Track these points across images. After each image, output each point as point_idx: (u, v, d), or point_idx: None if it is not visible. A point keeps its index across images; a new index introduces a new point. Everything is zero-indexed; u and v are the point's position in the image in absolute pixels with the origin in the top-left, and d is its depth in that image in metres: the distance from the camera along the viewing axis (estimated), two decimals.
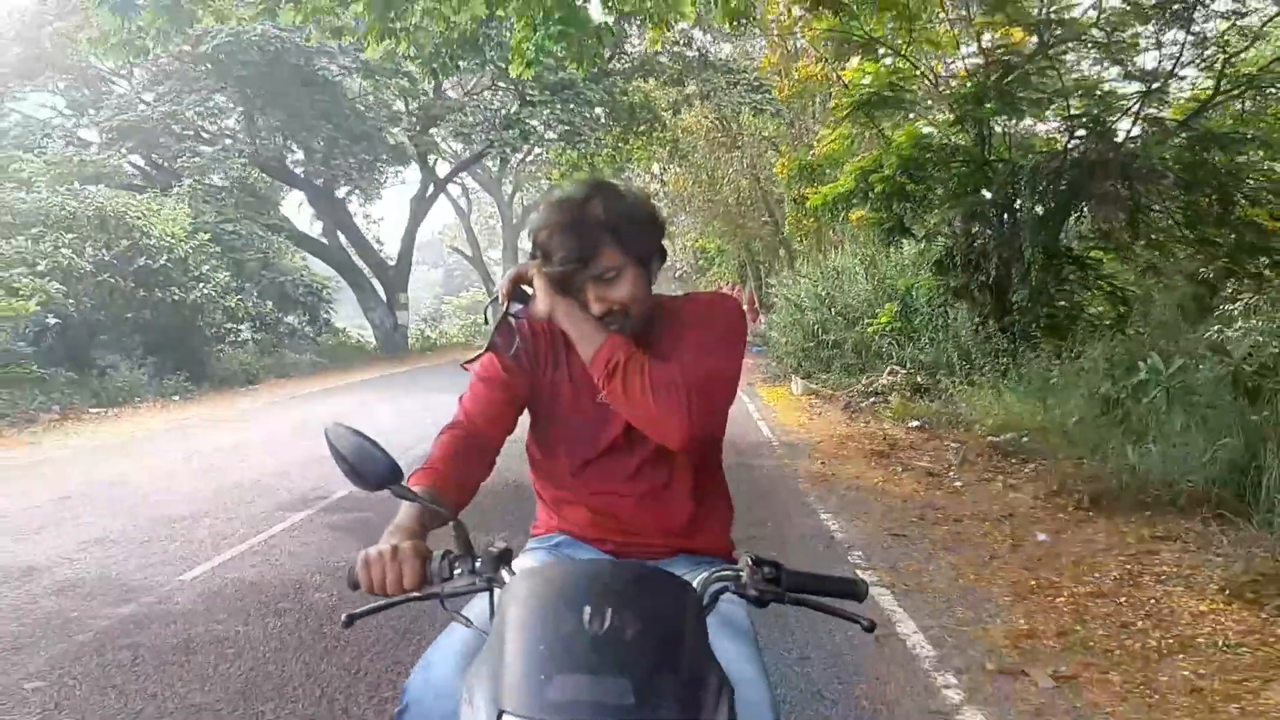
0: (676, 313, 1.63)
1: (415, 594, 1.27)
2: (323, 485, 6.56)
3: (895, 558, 4.85)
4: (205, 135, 21.53)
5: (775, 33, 15.63)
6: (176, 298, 14.35)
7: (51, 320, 11.96)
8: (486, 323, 1.61)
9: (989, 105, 10.98)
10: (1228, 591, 4.07)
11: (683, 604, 1.18)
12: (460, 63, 12.05)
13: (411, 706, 1.36)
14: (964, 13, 11.95)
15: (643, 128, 23.80)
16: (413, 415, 10.36)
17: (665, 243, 1.66)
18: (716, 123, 23.59)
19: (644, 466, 1.61)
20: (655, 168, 26.91)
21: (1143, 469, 6.01)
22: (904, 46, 11.86)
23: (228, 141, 20.75)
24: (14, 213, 13.59)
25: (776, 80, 18.08)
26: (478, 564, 1.27)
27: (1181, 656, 3.47)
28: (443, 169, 30.12)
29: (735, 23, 10.20)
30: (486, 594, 1.27)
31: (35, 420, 10.76)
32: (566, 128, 22.78)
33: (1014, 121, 11.81)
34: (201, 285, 14.92)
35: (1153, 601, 4.08)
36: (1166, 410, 6.54)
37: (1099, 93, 11.24)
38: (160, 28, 9.18)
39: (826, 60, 13.75)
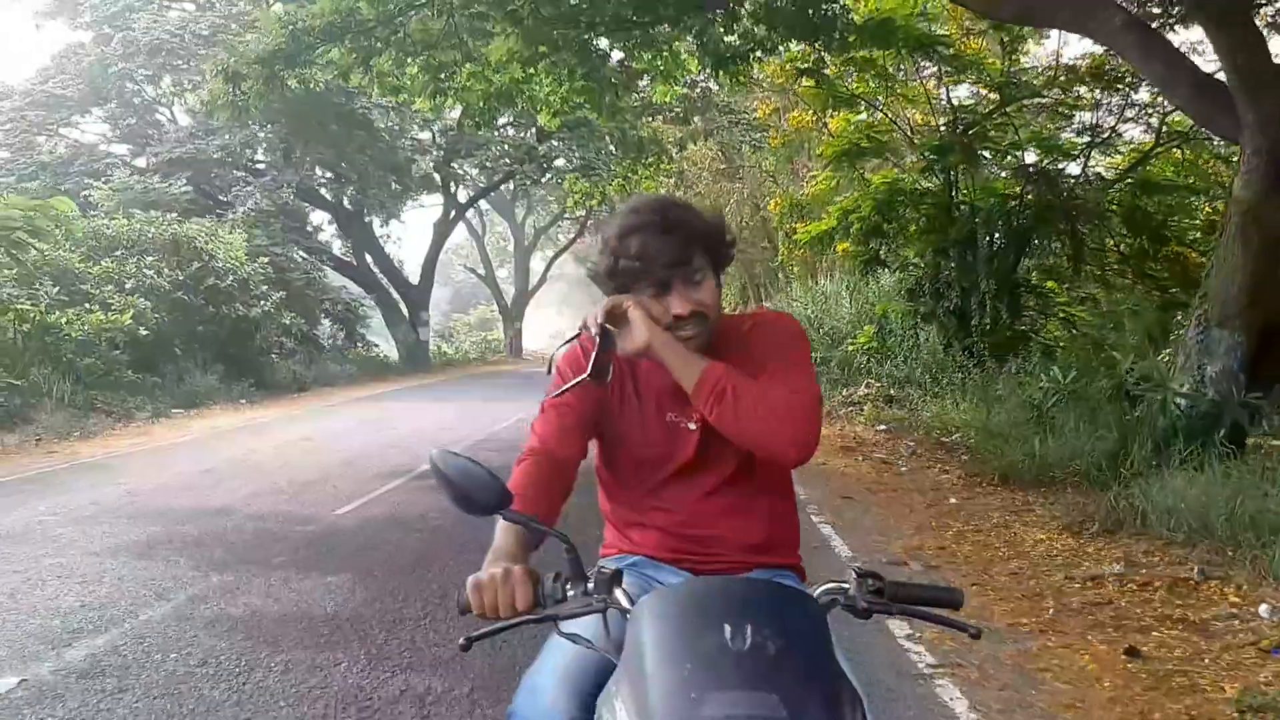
0: (741, 331, 1.66)
1: (530, 616, 1.28)
2: (404, 463, 8.38)
3: (840, 509, 6.70)
4: (250, 165, 23.53)
5: (771, 88, 17.50)
6: (239, 314, 16.25)
7: (143, 332, 13.82)
8: (552, 366, 1.64)
9: (953, 155, 12.78)
10: (1063, 528, 5.89)
11: (813, 618, 1.20)
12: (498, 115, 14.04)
13: None
14: (935, 70, 13.79)
15: (651, 160, 25.72)
16: (457, 418, 12.29)
17: None
18: (719, 155, 25.52)
19: (722, 485, 1.62)
20: None
21: (1042, 455, 7.81)
22: (882, 102, 13.76)
23: (275, 172, 22.70)
24: (99, 237, 15.53)
25: (774, 121, 20.00)
26: (590, 585, 1.29)
27: (1014, 561, 5.29)
28: (462, 195, 32.07)
29: (735, 81, 12.10)
30: (598, 616, 1.30)
31: (132, 418, 12.59)
32: (581, 161, 24.78)
33: (975, 170, 13.64)
34: (261, 303, 16.82)
35: (1012, 534, 5.91)
36: (1065, 411, 8.37)
37: (1050, 144, 13.09)
38: (258, 91, 11.11)
39: (816, 111, 15.61)
